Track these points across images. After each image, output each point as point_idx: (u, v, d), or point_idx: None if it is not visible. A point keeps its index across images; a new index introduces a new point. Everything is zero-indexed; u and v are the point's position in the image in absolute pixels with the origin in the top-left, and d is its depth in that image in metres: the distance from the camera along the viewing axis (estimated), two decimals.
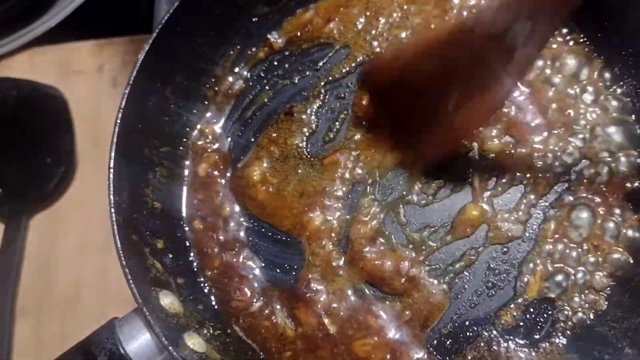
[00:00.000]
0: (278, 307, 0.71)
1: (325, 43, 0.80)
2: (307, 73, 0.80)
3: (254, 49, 0.81)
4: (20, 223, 0.89)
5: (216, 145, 0.79)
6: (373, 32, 0.79)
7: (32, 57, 0.98)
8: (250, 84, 0.81)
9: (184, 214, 0.76)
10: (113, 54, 0.97)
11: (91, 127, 0.93)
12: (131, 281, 0.61)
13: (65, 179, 0.91)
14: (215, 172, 0.77)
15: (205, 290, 0.73)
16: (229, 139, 0.79)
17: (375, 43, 0.79)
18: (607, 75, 0.74)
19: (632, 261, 0.68)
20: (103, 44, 0.98)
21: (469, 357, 0.68)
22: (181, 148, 0.78)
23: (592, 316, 0.67)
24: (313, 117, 0.78)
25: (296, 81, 0.80)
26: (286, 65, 0.81)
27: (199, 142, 0.79)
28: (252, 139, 0.79)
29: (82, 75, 0.97)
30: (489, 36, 0.58)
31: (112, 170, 0.65)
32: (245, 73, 0.81)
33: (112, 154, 0.66)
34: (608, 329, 0.65)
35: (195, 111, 0.79)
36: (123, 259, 0.62)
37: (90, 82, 0.96)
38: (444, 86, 0.64)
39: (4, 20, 0.97)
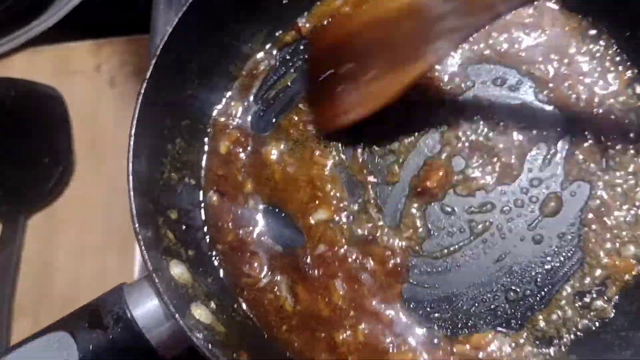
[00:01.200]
0: (283, 280, 0.71)
1: None
2: None
3: (282, 32, 0.82)
4: (18, 223, 0.89)
5: (237, 122, 0.79)
6: None
7: (30, 57, 0.98)
8: (276, 65, 0.81)
9: (201, 187, 0.76)
10: (111, 54, 0.97)
11: (89, 127, 0.92)
12: (143, 248, 0.61)
13: (63, 178, 0.91)
14: (238, 149, 0.77)
15: (215, 264, 0.73)
16: (251, 118, 0.79)
17: None
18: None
19: None
20: (101, 43, 0.98)
21: None
22: (202, 123, 0.78)
23: (598, 323, 0.66)
24: None
25: None
26: None
27: (221, 119, 0.79)
28: (273, 120, 0.79)
29: (79, 75, 0.96)
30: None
31: (132, 137, 0.65)
32: (272, 54, 0.81)
33: (134, 122, 0.66)
34: (613, 337, 0.65)
35: (219, 88, 0.79)
36: (137, 225, 0.62)
37: (88, 81, 0.96)
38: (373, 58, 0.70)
39: (2, 20, 0.97)
